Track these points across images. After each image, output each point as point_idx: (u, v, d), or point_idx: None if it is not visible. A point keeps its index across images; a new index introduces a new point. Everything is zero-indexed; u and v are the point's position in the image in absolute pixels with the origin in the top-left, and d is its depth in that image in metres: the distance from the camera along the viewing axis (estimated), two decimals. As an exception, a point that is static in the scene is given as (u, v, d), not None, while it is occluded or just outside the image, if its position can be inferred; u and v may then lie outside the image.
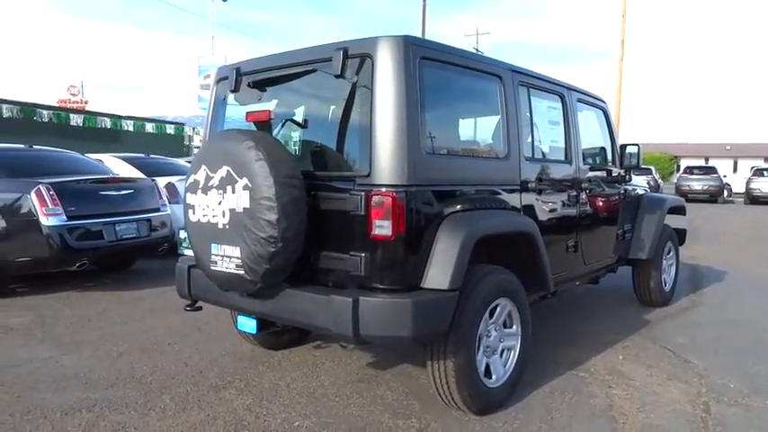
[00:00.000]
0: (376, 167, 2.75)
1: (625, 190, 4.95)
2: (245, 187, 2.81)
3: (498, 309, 3.22)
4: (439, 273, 2.79)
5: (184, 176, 8.76)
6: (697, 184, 23.65)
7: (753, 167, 25.35)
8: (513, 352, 3.36)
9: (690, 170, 25.10)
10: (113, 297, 5.88)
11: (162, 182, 7.74)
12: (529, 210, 3.55)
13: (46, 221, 5.69)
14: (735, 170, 38.47)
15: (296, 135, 3.25)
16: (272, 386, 3.59)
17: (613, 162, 4.84)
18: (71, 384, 3.61)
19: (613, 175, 4.75)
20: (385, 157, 2.74)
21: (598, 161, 4.65)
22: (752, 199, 22.97)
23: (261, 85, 3.34)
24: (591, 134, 4.54)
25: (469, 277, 2.94)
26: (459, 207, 3.02)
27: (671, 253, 5.73)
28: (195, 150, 19.44)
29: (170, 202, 7.45)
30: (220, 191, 2.95)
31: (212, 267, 3.05)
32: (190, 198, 3.14)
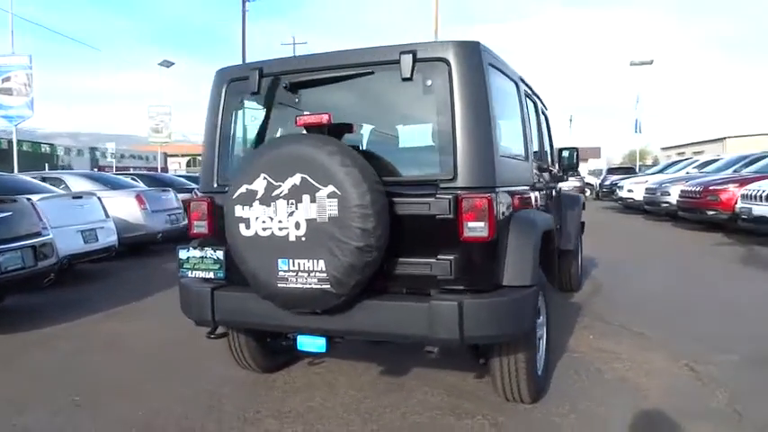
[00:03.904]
0: (463, 171, 2.77)
1: (559, 188, 5.51)
2: (332, 195, 2.63)
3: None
4: (519, 270, 2.90)
5: (46, 195, 7.69)
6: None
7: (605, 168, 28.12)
8: (542, 340, 3.58)
9: None
10: (12, 342, 4.90)
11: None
12: (538, 207, 3.82)
13: None
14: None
15: (351, 139, 3.10)
16: (307, 409, 3.36)
17: (552, 162, 5.36)
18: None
19: (553, 174, 5.26)
20: (473, 160, 2.78)
21: (548, 162, 5.13)
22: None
23: (298, 87, 3.12)
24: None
25: None
26: (519, 206, 3.16)
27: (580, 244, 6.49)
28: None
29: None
30: (291, 201, 2.72)
31: (280, 285, 2.78)
32: (241, 211, 2.83)
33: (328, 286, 2.70)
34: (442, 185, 2.80)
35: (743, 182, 10.83)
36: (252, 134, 3.44)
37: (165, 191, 10.87)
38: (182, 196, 11.46)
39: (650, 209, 15.65)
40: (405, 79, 2.86)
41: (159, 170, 30.43)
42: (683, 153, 53.40)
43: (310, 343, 3.02)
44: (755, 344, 4.33)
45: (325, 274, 2.69)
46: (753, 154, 14.38)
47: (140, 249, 10.11)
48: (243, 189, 2.83)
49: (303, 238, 2.72)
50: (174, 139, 39.73)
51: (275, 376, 3.90)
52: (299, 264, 2.74)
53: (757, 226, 9.47)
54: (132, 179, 12.24)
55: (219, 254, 3.22)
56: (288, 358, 4.09)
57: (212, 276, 3.25)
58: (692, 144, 57.64)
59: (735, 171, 13.47)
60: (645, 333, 4.68)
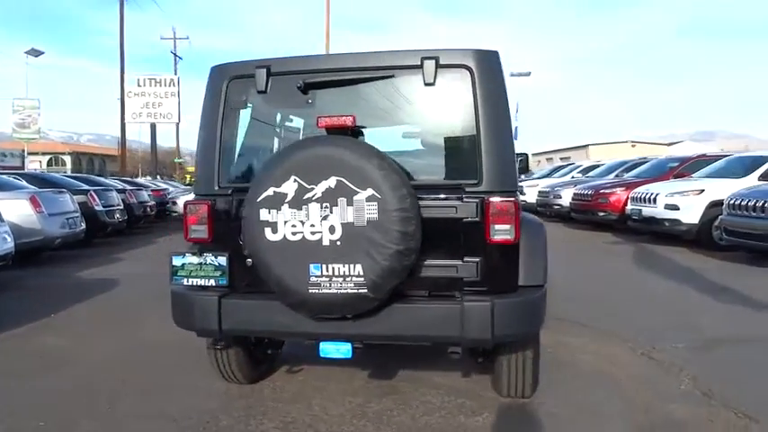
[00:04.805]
0: (489, 175, 2.84)
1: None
2: (372, 198, 2.59)
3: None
4: (534, 270, 3.02)
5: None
6: None
7: None
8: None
9: None
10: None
11: None
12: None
13: None
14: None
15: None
16: (312, 418, 3.26)
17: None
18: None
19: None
20: (498, 165, 2.86)
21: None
22: None
23: (312, 88, 3.02)
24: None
25: None
26: (522, 209, 3.29)
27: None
28: None
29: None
30: (326, 204, 2.64)
31: (311, 291, 2.68)
32: (267, 215, 2.70)
33: (366, 291, 2.65)
34: (467, 189, 2.85)
35: (630, 186, 11.99)
36: (260, 135, 3.29)
37: (61, 192, 9.95)
38: (76, 198, 10.58)
39: (542, 210, 16.75)
40: (427, 84, 2.89)
41: (25, 169, 27.58)
42: (551, 159, 57.75)
43: (334, 349, 2.93)
44: (689, 332, 4.83)
45: (362, 279, 2.64)
46: (631, 160, 15.98)
47: (35, 257, 9.15)
48: (269, 192, 2.70)
49: (338, 243, 2.65)
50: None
51: (260, 386, 3.74)
52: (333, 269, 2.66)
53: (647, 225, 10.52)
54: (15, 179, 11.03)
55: (222, 260, 3.04)
56: (269, 367, 3.94)
57: (213, 284, 3.07)
58: (560, 150, 62.53)
59: (616, 176, 14.87)
60: (598, 328, 5.03)
